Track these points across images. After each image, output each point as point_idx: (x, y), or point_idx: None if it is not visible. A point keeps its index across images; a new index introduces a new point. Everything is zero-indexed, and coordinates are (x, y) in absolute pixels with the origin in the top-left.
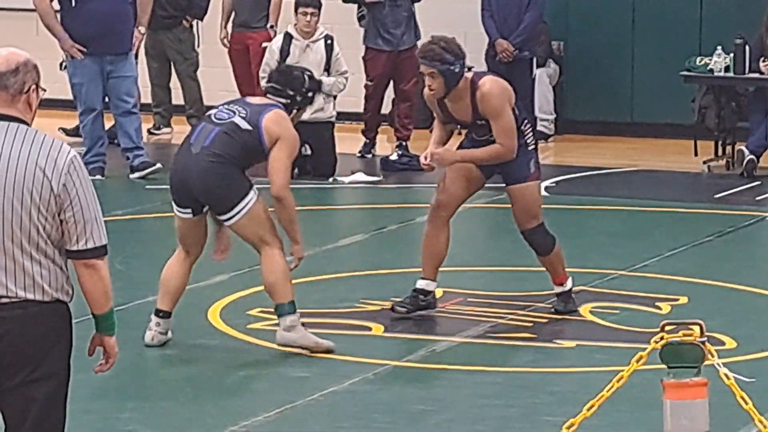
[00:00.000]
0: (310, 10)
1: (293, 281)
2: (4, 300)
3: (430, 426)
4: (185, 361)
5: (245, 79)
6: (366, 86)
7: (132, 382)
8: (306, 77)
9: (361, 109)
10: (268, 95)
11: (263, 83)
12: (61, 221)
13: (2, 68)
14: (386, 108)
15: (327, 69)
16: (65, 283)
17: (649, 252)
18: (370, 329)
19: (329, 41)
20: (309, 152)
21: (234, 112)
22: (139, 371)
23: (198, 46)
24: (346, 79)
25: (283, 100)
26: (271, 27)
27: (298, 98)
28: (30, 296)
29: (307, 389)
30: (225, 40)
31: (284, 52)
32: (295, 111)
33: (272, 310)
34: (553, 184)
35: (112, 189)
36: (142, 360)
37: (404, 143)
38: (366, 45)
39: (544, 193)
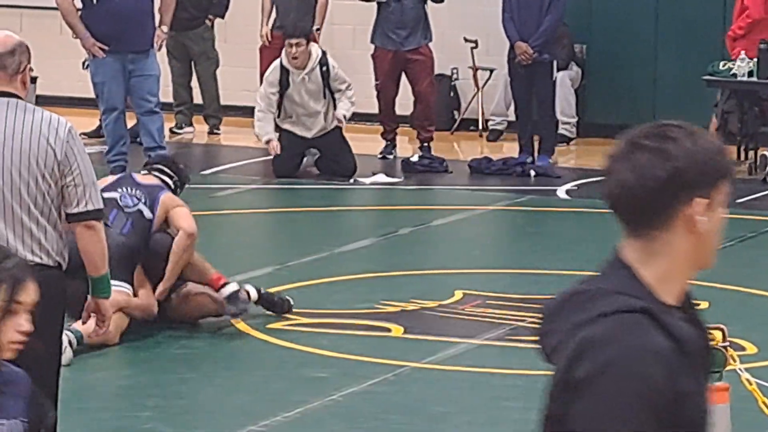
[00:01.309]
0: (294, 41)
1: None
2: None
3: (448, 428)
4: (205, 361)
5: None
6: (375, 86)
7: (151, 381)
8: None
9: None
10: (154, 174)
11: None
12: (63, 186)
13: (0, 49)
14: (407, 110)
15: (329, 90)
16: (63, 249)
17: None
18: (389, 330)
19: (324, 67)
20: (318, 155)
21: (138, 199)
22: (159, 370)
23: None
24: (351, 89)
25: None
26: (317, 30)
27: (179, 188)
28: (36, 259)
29: (326, 390)
30: (266, 38)
31: (283, 84)
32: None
33: (295, 310)
34: (575, 188)
35: None
36: (160, 359)
37: (427, 145)
38: (373, 43)
39: (565, 196)
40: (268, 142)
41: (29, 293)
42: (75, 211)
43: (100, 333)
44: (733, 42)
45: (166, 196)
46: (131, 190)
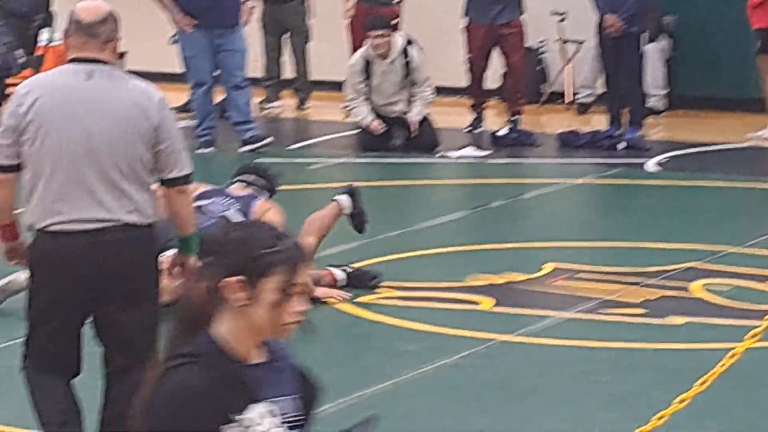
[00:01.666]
0: (378, 32)
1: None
2: (109, 224)
3: (537, 401)
4: (294, 334)
5: None
6: (468, 59)
7: None
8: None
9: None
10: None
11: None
12: (156, 152)
13: (92, 18)
14: (494, 83)
15: (409, 81)
16: (155, 209)
17: (762, 228)
18: (479, 304)
19: (406, 57)
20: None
21: (229, 206)
22: None
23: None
24: (428, 88)
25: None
26: (398, 3)
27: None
28: (132, 219)
29: (416, 363)
30: (349, 12)
31: (367, 71)
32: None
33: (384, 284)
34: (665, 160)
35: (223, 162)
36: None
37: (516, 118)
38: (467, 16)
39: (654, 168)
40: (369, 125)
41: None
42: (169, 176)
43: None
44: (752, 10)
45: (259, 204)
46: (223, 200)
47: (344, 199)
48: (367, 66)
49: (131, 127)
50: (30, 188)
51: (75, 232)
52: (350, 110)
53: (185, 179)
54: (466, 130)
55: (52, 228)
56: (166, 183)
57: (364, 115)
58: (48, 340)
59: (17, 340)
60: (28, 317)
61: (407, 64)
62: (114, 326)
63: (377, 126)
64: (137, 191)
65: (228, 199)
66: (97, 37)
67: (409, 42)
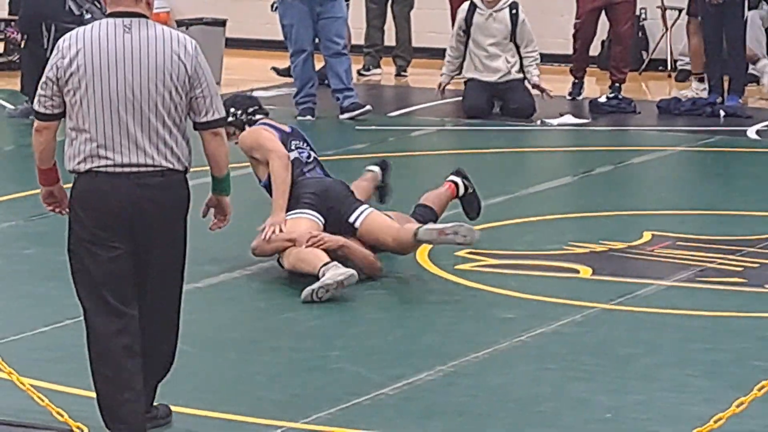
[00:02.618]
0: None
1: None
2: (149, 168)
3: (637, 369)
4: (394, 302)
5: None
6: (575, 24)
7: (341, 322)
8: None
9: (568, 51)
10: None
11: (452, 42)
12: (191, 98)
13: None
14: (595, 51)
15: (513, 39)
16: (189, 155)
17: None
18: (578, 272)
19: (514, 10)
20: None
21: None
22: (348, 311)
23: None
24: (535, 49)
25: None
26: None
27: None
28: (170, 165)
29: (515, 330)
30: None
31: (468, 21)
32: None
33: (481, 251)
34: (765, 128)
35: (323, 129)
36: (350, 300)
37: (618, 85)
38: None
39: (755, 136)
40: (439, 80)
41: None
42: (204, 120)
43: (221, 226)
44: None
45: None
46: (301, 142)
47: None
48: (470, 14)
49: (168, 76)
50: (74, 136)
51: (116, 174)
52: (445, 59)
53: (219, 122)
54: (568, 97)
55: (95, 170)
56: (200, 126)
57: (444, 71)
58: (96, 273)
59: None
60: (70, 253)
61: (514, 18)
62: (147, 265)
63: (441, 90)
64: (176, 138)
65: (301, 141)
66: None
67: (516, 3)
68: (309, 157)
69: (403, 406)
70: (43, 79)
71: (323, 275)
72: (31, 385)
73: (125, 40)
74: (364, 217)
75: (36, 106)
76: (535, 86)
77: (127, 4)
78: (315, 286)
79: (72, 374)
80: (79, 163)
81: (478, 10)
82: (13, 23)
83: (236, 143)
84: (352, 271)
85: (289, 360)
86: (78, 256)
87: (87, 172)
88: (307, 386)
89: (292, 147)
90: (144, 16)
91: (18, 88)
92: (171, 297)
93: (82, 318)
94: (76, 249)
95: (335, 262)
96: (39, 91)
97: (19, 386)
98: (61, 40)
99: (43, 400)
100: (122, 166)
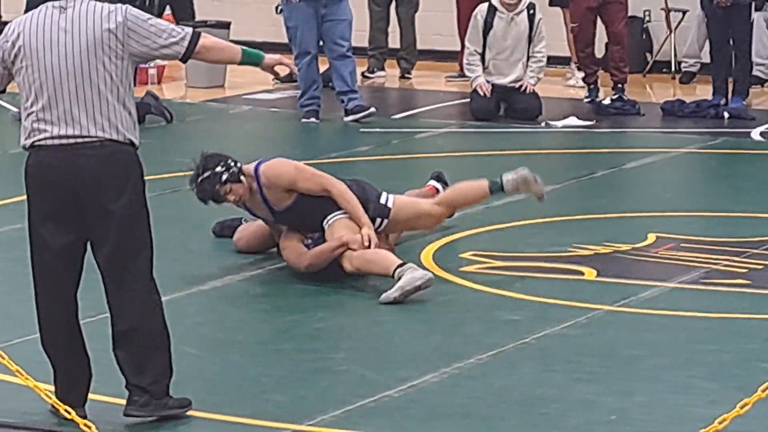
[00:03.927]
0: None
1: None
2: (86, 139)
3: (642, 371)
4: (398, 304)
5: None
6: (572, 29)
7: (346, 324)
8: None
9: (567, 54)
10: None
11: (471, 46)
12: (136, 48)
13: None
14: (599, 53)
15: (530, 40)
16: (133, 127)
17: None
18: (582, 274)
19: (531, 11)
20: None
21: None
22: (353, 313)
23: None
24: (543, 51)
25: None
26: None
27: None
28: (107, 135)
29: (519, 332)
30: None
31: (488, 24)
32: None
33: (486, 253)
34: None
35: (327, 132)
36: (355, 302)
37: (620, 87)
38: None
39: (759, 138)
40: (476, 84)
41: None
42: (182, 52)
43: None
44: None
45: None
46: None
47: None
48: (490, 17)
49: (99, 47)
50: (23, 115)
51: (54, 147)
52: (466, 65)
53: (194, 40)
54: (586, 100)
55: (37, 144)
56: (185, 57)
57: (475, 73)
58: (44, 249)
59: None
60: (28, 228)
61: (532, 18)
62: (97, 228)
63: (481, 85)
64: (113, 108)
65: None
66: None
67: (533, 4)
68: None
69: (409, 408)
70: None
71: (399, 278)
72: (38, 386)
73: (60, 20)
74: (393, 198)
75: None
76: (529, 84)
77: None
78: (395, 293)
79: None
80: (25, 139)
81: (498, 13)
82: None
83: (237, 201)
84: (429, 274)
85: (294, 362)
86: (32, 236)
87: (32, 147)
88: (313, 388)
89: None
90: None
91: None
92: (133, 274)
93: (87, 319)
94: (30, 228)
95: (410, 264)
96: None
97: (26, 386)
98: (7, 26)
99: (50, 398)
100: (60, 138)
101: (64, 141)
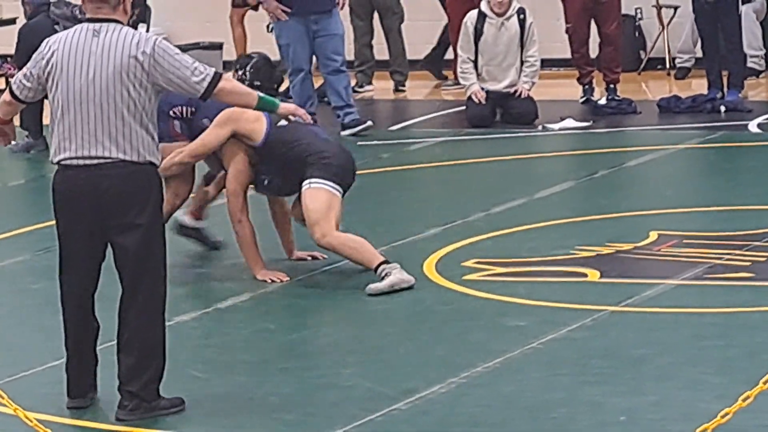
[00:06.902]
0: None
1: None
2: (108, 160)
3: (650, 370)
4: (403, 315)
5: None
6: (566, 29)
7: (351, 338)
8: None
9: (566, 55)
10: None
11: (463, 53)
12: (161, 81)
13: None
14: (593, 53)
15: (521, 44)
16: (155, 149)
17: None
18: (585, 275)
19: (522, 15)
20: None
21: None
22: (358, 327)
23: None
24: (535, 55)
25: None
26: None
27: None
28: (127, 157)
29: (525, 338)
30: None
31: (478, 30)
32: None
33: (488, 260)
34: (765, 121)
35: None
36: (360, 316)
37: (613, 86)
38: None
39: (757, 129)
40: (471, 92)
41: None
42: (202, 88)
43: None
44: None
45: None
46: None
47: None
48: (480, 23)
49: (126, 74)
50: (52, 128)
51: (78, 167)
52: (459, 73)
53: (214, 81)
54: (581, 101)
55: (63, 162)
56: (205, 96)
57: (469, 80)
58: (70, 260)
59: None
60: (58, 239)
61: (522, 23)
62: (120, 242)
63: (475, 93)
64: (135, 132)
65: None
66: (107, 3)
67: (522, 8)
68: None
69: (418, 420)
70: (27, 71)
71: (388, 275)
72: (43, 421)
73: (92, 44)
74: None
75: (13, 86)
76: (523, 89)
77: (106, 12)
78: (385, 287)
79: (84, 407)
80: (53, 153)
81: (488, 19)
82: (9, 58)
83: None
84: (413, 280)
85: (301, 379)
86: (61, 247)
87: (58, 164)
88: (321, 405)
89: None
90: (118, 21)
91: (17, 122)
92: (146, 290)
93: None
94: (60, 239)
95: (395, 264)
96: (21, 77)
97: (26, 422)
98: (44, 42)
99: None
100: (83, 158)
101: (87, 162)
